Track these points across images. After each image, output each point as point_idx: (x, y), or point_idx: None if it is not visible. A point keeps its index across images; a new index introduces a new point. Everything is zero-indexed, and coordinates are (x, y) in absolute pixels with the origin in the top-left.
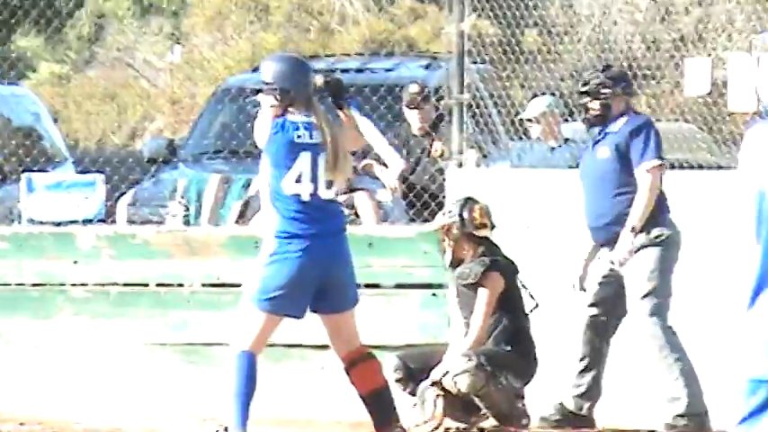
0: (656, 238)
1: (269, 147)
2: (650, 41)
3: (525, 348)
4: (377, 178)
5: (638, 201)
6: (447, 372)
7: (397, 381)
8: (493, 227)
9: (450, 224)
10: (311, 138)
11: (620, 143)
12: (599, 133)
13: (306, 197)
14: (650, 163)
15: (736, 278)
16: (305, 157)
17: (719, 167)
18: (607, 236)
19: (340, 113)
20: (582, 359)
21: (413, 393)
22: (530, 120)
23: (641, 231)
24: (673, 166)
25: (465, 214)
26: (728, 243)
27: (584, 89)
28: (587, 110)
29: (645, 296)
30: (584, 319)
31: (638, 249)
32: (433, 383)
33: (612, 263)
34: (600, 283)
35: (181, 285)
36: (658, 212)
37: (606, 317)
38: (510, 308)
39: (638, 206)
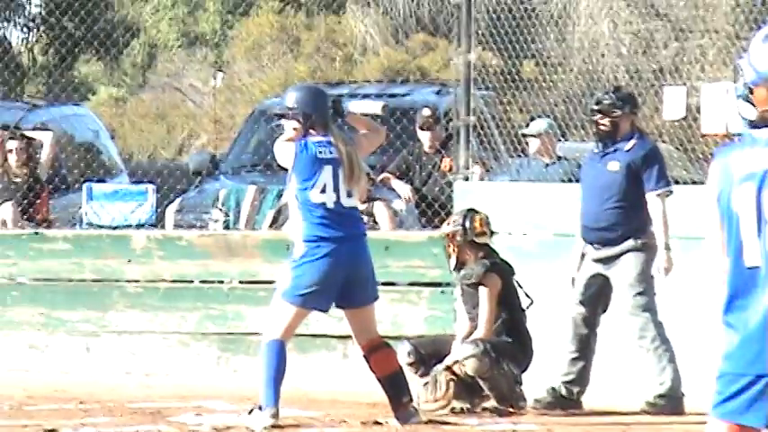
0: (643, 245)
1: (296, 164)
2: (633, 72)
3: (523, 339)
4: (393, 190)
5: (657, 222)
6: (458, 359)
7: (410, 365)
8: (491, 234)
9: (455, 232)
10: (331, 153)
11: (632, 163)
12: (606, 147)
13: (330, 205)
14: (663, 190)
15: (709, 281)
16: (327, 171)
17: (693, 182)
18: (597, 238)
19: (353, 121)
20: (572, 350)
21: (423, 376)
22: (532, 135)
23: (629, 238)
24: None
25: (467, 224)
26: (701, 249)
27: (596, 107)
28: (598, 125)
29: (638, 294)
30: (573, 314)
31: (625, 253)
32: (447, 368)
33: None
34: (585, 284)
35: (221, 282)
36: (644, 224)
37: (592, 313)
38: (508, 304)
39: (660, 226)
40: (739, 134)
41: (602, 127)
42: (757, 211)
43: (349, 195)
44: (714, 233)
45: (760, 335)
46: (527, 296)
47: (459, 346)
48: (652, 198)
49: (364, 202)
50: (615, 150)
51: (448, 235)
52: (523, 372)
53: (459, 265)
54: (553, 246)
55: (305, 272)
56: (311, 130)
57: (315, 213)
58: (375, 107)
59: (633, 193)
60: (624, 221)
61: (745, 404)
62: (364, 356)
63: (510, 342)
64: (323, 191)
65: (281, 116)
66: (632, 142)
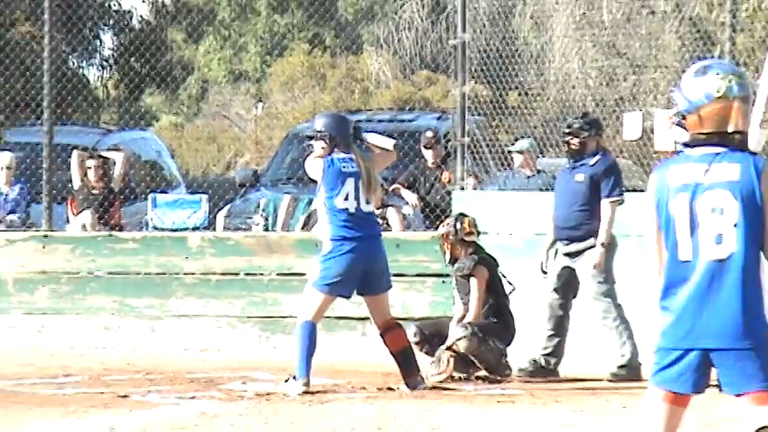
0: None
1: (324, 177)
2: (598, 100)
3: (506, 320)
4: (402, 198)
5: (603, 223)
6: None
7: (416, 343)
8: (478, 234)
9: (448, 232)
10: (352, 168)
11: (594, 175)
12: (575, 162)
13: (352, 210)
14: (615, 198)
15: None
16: (350, 182)
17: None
18: (566, 235)
19: (370, 142)
20: (549, 329)
21: (428, 353)
22: (516, 152)
23: (591, 236)
24: (622, 193)
25: (458, 225)
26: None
27: (567, 130)
28: (569, 145)
29: (600, 283)
30: (549, 299)
31: (589, 248)
32: (447, 348)
33: (594, 266)
34: (558, 275)
35: (262, 275)
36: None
37: (564, 298)
38: (494, 291)
39: (605, 227)
40: (679, 151)
41: (572, 146)
42: (690, 216)
43: (367, 202)
44: (652, 235)
45: (689, 316)
46: (509, 284)
47: (453, 328)
48: (605, 204)
49: (379, 208)
50: (582, 165)
51: (442, 235)
52: (508, 346)
53: (453, 259)
54: (534, 243)
55: (331, 265)
56: (336, 149)
57: (339, 217)
58: (388, 144)
59: (595, 199)
60: (587, 222)
61: (676, 374)
62: (380, 335)
63: (496, 322)
64: (346, 198)
65: (311, 138)
66: (596, 158)
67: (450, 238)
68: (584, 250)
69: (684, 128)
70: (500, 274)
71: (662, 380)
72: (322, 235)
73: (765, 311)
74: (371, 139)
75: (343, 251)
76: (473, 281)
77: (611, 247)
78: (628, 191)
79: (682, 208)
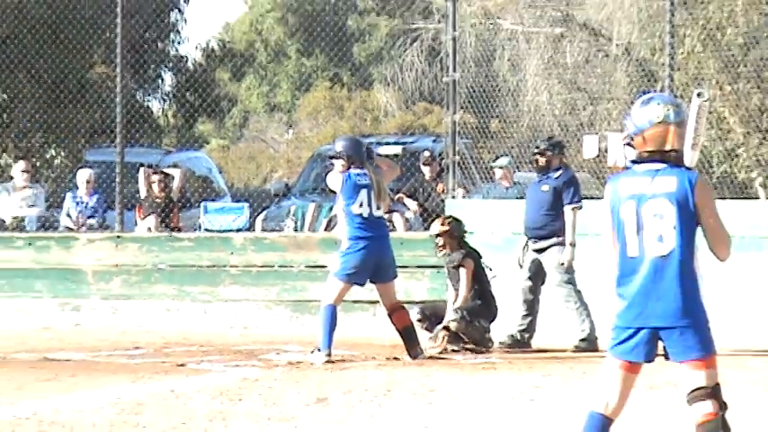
0: (563, 240)
1: (343, 188)
2: (563, 126)
3: (489, 302)
4: (405, 205)
5: (568, 227)
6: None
7: (419, 321)
8: (464, 232)
9: (441, 231)
10: (366, 181)
11: (557, 186)
12: (542, 176)
13: (365, 215)
14: (575, 205)
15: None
16: (363, 192)
17: (601, 198)
18: (535, 234)
19: (379, 161)
20: (523, 309)
21: (427, 329)
22: (497, 168)
23: (555, 236)
24: (581, 200)
25: (454, 225)
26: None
27: (536, 150)
28: (537, 162)
29: (564, 273)
30: (523, 286)
31: (553, 245)
32: (443, 327)
33: (563, 264)
34: (529, 266)
35: (292, 267)
36: (564, 227)
37: (535, 285)
38: (478, 278)
39: (569, 229)
40: (628, 167)
41: (539, 163)
42: (637, 220)
43: (378, 208)
44: (607, 235)
45: (639, 301)
46: (491, 271)
47: (448, 311)
48: (567, 210)
49: (387, 213)
50: (548, 178)
51: (438, 233)
52: (491, 323)
53: (444, 252)
54: (511, 240)
55: (349, 259)
56: (352, 166)
57: (355, 221)
58: (396, 150)
59: (558, 206)
60: (552, 224)
61: (631, 347)
62: (388, 315)
63: (480, 304)
64: (360, 206)
65: (333, 157)
66: (559, 173)
67: (443, 236)
68: (549, 247)
69: (633, 147)
70: (483, 265)
71: (619, 352)
72: (341, 235)
73: (701, 296)
74: (383, 150)
75: (358, 248)
76: (462, 270)
77: (574, 245)
78: (586, 198)
79: (630, 213)
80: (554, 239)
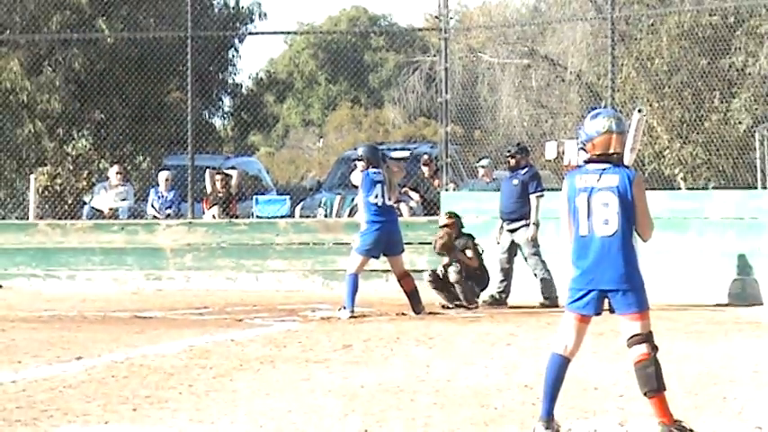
0: (530, 221)
1: (363, 183)
2: (530, 135)
3: (483, 272)
4: (410, 197)
5: (532, 210)
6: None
7: (429, 281)
8: (463, 225)
9: (449, 223)
10: (380, 177)
11: (524, 180)
12: (513, 173)
13: (380, 204)
14: (538, 193)
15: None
16: (378, 186)
17: (560, 190)
18: (508, 217)
19: (390, 163)
20: (500, 276)
21: (436, 288)
22: (480, 167)
23: (523, 218)
24: (543, 190)
25: (457, 219)
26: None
27: (508, 154)
28: (509, 163)
29: (532, 247)
30: (500, 257)
31: (522, 227)
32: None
33: (529, 239)
34: (503, 243)
35: (323, 245)
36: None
37: (510, 257)
38: (475, 255)
39: (533, 213)
40: (581, 165)
41: (510, 163)
42: (588, 207)
43: (389, 199)
44: (565, 218)
45: (590, 269)
46: (481, 248)
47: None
48: (532, 198)
49: (395, 203)
50: (517, 174)
51: (445, 225)
52: (482, 290)
53: (447, 239)
54: (490, 223)
55: (367, 238)
56: (370, 166)
57: (371, 208)
58: (404, 154)
59: (525, 195)
60: (521, 210)
61: (583, 304)
62: (397, 280)
63: (477, 273)
64: (376, 196)
65: (356, 160)
66: (525, 170)
67: (453, 225)
68: (519, 227)
69: (585, 151)
70: (475, 244)
71: (574, 307)
72: (361, 220)
73: (638, 265)
74: (395, 154)
75: (374, 229)
76: (468, 252)
77: (537, 225)
78: (547, 190)
79: (583, 202)
80: (523, 221)
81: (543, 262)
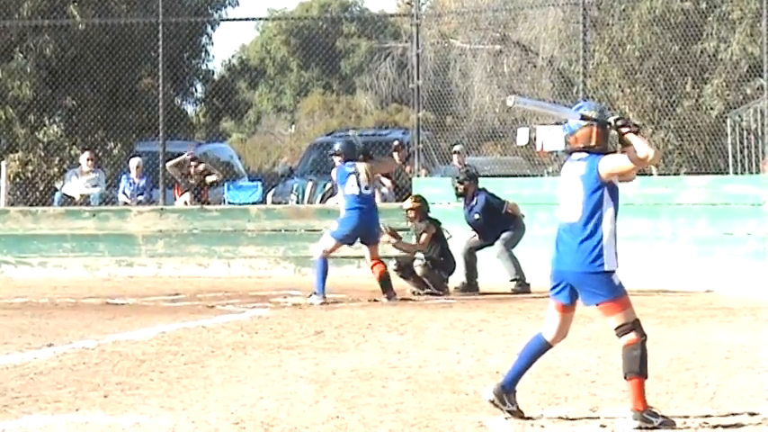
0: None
1: (338, 177)
2: (502, 120)
3: (448, 258)
4: (381, 183)
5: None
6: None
7: (395, 270)
8: (427, 206)
9: (414, 206)
10: (352, 169)
11: (480, 212)
12: (468, 206)
13: (357, 193)
14: (506, 207)
15: (545, 230)
16: (352, 177)
17: (533, 176)
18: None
19: (380, 159)
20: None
21: (403, 277)
22: (453, 153)
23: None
24: (515, 176)
25: (421, 201)
26: (541, 211)
27: (457, 180)
28: (457, 189)
29: (504, 239)
30: (463, 252)
31: (503, 231)
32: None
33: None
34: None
35: (295, 231)
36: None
37: (472, 250)
38: (440, 240)
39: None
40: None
41: (459, 190)
42: (564, 194)
43: (366, 188)
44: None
45: (557, 260)
46: (448, 233)
47: (416, 260)
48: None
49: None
50: (472, 208)
51: (414, 208)
52: (450, 275)
53: (414, 222)
54: (459, 209)
55: (344, 225)
56: (346, 160)
57: (350, 198)
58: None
59: (490, 220)
60: (492, 232)
61: (557, 291)
62: (370, 267)
63: (442, 260)
64: (352, 186)
65: (333, 154)
66: (476, 202)
67: (414, 210)
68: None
69: (569, 143)
70: (443, 230)
71: (553, 295)
72: (341, 207)
73: (606, 254)
74: (380, 158)
75: (353, 216)
76: (424, 235)
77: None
78: (518, 176)
79: (560, 191)
80: (501, 232)
81: (514, 255)
